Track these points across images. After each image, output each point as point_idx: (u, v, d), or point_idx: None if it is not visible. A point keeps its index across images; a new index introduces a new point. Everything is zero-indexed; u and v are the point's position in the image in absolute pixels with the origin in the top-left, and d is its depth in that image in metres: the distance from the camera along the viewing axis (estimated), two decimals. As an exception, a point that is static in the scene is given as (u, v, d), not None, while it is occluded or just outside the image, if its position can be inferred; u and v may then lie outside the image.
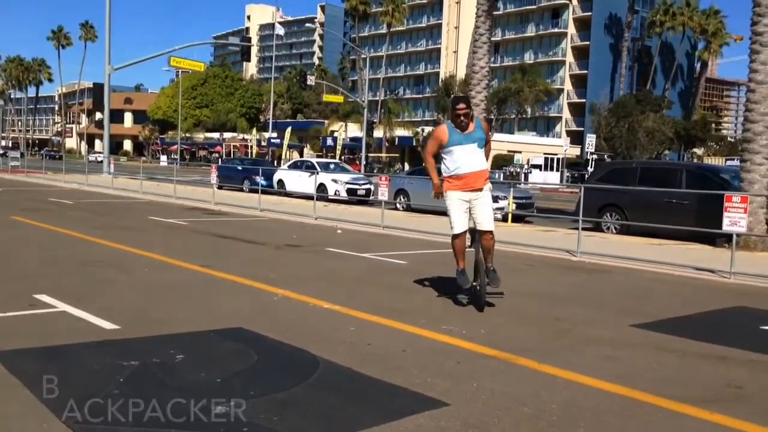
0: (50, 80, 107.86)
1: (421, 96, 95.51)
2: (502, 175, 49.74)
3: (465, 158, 6.88)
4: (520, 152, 61.54)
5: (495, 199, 19.43)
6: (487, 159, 7.11)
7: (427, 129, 60.26)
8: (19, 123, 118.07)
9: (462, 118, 6.81)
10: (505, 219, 18.79)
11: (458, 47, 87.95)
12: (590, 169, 44.65)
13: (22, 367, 4.61)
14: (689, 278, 10.03)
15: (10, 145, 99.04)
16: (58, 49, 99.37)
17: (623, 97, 67.50)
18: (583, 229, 12.65)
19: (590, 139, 54.57)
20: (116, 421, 3.76)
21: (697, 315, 7.44)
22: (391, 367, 4.93)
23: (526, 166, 56.18)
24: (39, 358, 4.84)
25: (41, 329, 5.64)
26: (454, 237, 7.15)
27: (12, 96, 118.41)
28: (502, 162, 58.54)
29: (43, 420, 3.75)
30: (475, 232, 7.15)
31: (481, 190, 6.95)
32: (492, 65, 21.02)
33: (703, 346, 5.92)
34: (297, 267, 9.73)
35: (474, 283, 7.15)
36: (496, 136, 49.26)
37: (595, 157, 53.45)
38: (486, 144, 7.06)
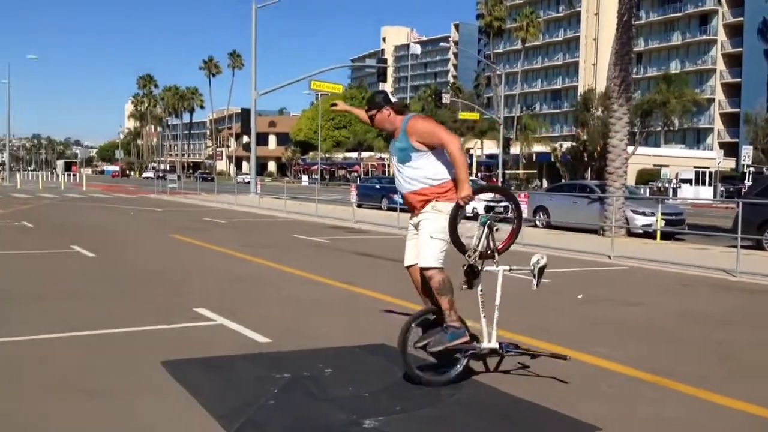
0: (202, 107, 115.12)
1: (558, 111, 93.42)
2: (648, 190, 47.50)
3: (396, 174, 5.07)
4: (667, 166, 58.56)
5: (642, 214, 18.81)
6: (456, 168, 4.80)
7: (566, 144, 58.80)
8: (175, 147, 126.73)
9: (375, 123, 5.00)
10: (654, 236, 17.93)
11: (597, 59, 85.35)
12: (748, 183, 41.74)
13: (187, 375, 4.91)
14: None
15: (168, 168, 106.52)
16: (209, 77, 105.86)
17: (782, 106, 62.74)
18: (742, 246, 11.82)
19: (746, 151, 50.93)
20: (272, 430, 3.91)
21: None
22: (538, 388, 4.81)
23: (674, 181, 53.36)
24: (201, 368, 5.13)
25: (203, 341, 5.99)
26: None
27: (169, 122, 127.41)
28: (647, 177, 55.97)
29: (207, 426, 3.96)
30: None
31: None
32: (635, 76, 20.22)
33: None
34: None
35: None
36: (640, 149, 47.17)
37: (752, 170, 49.83)
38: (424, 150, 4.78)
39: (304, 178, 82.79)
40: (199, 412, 4.21)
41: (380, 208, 26.95)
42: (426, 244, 4.92)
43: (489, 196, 25.17)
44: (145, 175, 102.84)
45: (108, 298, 7.96)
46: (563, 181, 45.60)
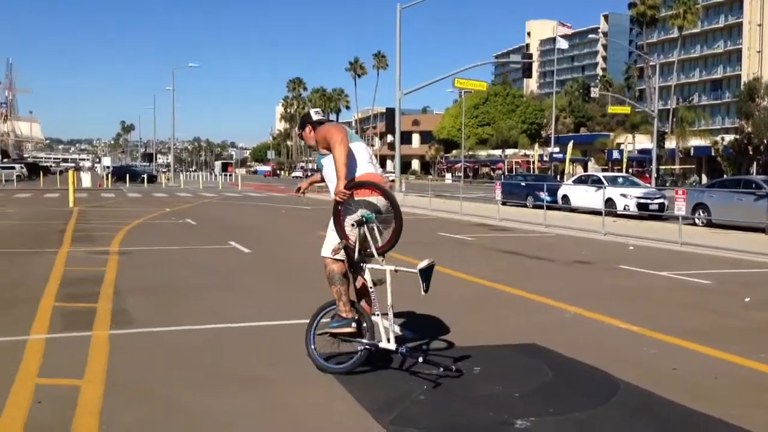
0: (347, 107, 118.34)
1: (719, 102, 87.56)
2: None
3: None
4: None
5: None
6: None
7: (728, 137, 55.01)
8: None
9: (306, 141, 5.47)
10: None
11: (762, 46, 79.20)
12: None
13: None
14: None
15: (315, 167, 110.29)
16: (354, 78, 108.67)
17: None
18: None
19: None
20: (424, 425, 3.96)
21: None
22: (700, 395, 4.56)
23: None
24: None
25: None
26: None
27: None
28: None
29: (360, 418, 4.09)
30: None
31: None
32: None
33: None
34: (588, 284, 9.46)
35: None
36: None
37: None
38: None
39: (448, 176, 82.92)
40: (351, 403, 4.34)
41: (525, 206, 26.47)
42: (327, 235, 5.26)
43: (641, 191, 24.09)
44: (294, 174, 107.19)
45: (263, 292, 8.39)
46: (725, 176, 42.69)
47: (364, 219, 4.99)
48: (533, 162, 72.66)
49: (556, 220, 19.44)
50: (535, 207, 25.10)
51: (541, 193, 24.40)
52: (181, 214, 21.58)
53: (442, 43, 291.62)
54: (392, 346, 4.88)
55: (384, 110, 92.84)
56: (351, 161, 5.11)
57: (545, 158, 71.22)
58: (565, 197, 26.01)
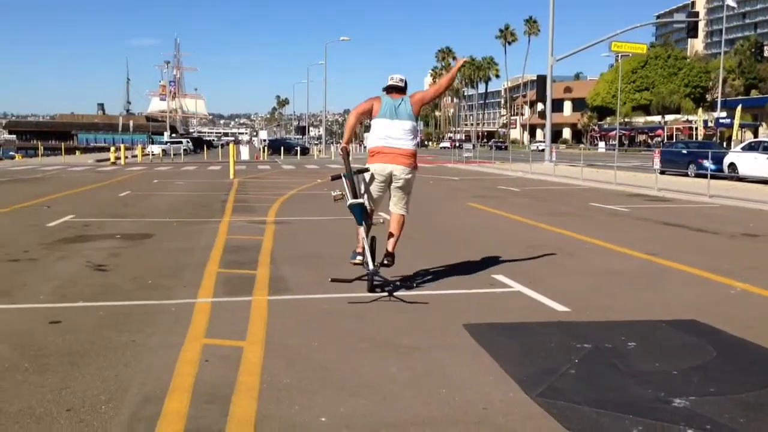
0: (497, 76, 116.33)
1: None
2: None
3: None
4: None
5: None
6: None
7: None
8: (470, 117, 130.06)
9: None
10: None
11: None
12: None
13: (488, 339, 5.09)
14: None
15: (463, 137, 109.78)
16: (504, 45, 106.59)
17: None
18: None
19: None
20: (575, 399, 3.89)
21: None
22: None
23: None
24: (501, 333, 5.28)
25: (501, 306, 6.15)
26: None
27: (464, 93, 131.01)
28: None
29: (508, 389, 4.08)
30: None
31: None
32: None
33: None
34: (757, 258, 8.80)
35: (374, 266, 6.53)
36: None
37: None
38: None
39: (601, 144, 79.68)
40: (500, 374, 4.34)
41: (687, 175, 24.97)
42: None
43: None
44: (441, 145, 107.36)
45: (409, 262, 8.50)
46: None
47: (342, 174, 6.80)
48: (696, 128, 68.23)
49: (722, 190, 18.21)
50: (697, 176, 23.66)
51: (705, 161, 22.89)
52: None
53: (597, 6, 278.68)
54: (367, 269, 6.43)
55: (534, 78, 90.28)
56: (371, 134, 6.78)
57: (710, 124, 66.60)
58: (732, 165, 24.27)
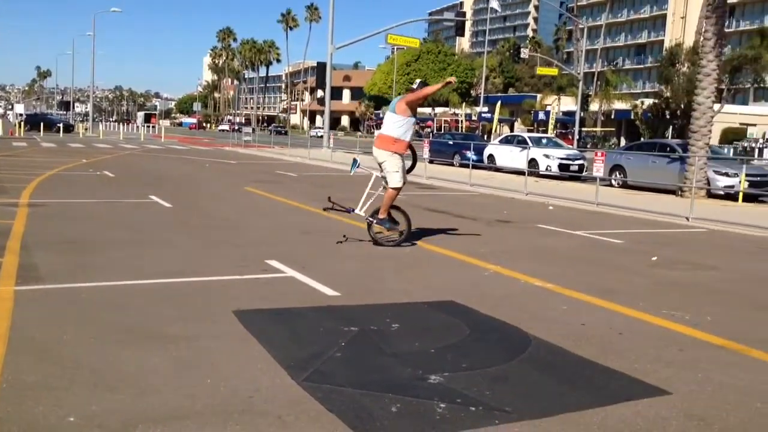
0: (278, 60, 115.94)
1: (641, 66, 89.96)
2: (732, 150, 45.47)
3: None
4: (755, 125, 55.84)
5: (725, 175, 18.02)
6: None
7: (648, 101, 56.63)
8: (251, 101, 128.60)
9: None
10: (735, 198, 17.24)
11: (686, 12, 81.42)
12: (841, 144, 39.40)
13: (258, 325, 5.06)
14: None
15: (243, 121, 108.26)
16: (286, 30, 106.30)
17: None
18: (832, 211, 11.24)
19: (843, 110, 47.97)
20: (339, 382, 3.99)
21: None
22: (606, 350, 4.75)
23: (761, 141, 50.90)
24: (272, 319, 5.27)
25: (273, 292, 6.14)
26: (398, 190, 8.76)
27: (245, 76, 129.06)
28: (732, 136, 53.53)
29: (275, 375, 4.08)
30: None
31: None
32: (726, 30, 19.20)
33: None
34: (508, 243, 9.66)
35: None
36: (726, 107, 44.92)
37: None
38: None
39: (377, 132, 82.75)
40: (268, 360, 4.33)
41: (452, 164, 26.75)
42: None
43: (563, 152, 24.65)
44: (220, 127, 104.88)
45: (182, 247, 8.23)
46: (642, 139, 44.08)
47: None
48: (462, 121, 73.25)
49: (482, 179, 19.74)
50: (461, 166, 25.40)
51: (468, 152, 24.66)
52: (99, 166, 20.87)
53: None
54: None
55: (315, 64, 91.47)
56: None
57: (474, 117, 71.91)
58: (491, 157, 26.40)
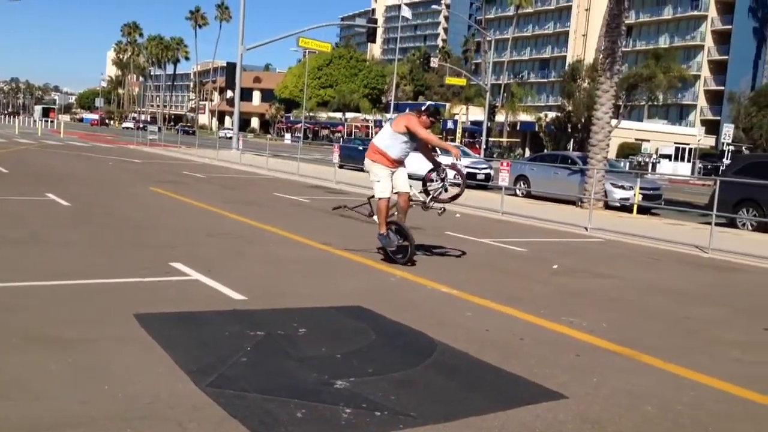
0: (187, 58, 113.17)
1: (545, 80, 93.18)
2: (628, 164, 47.78)
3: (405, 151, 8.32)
4: (648, 141, 58.90)
5: (621, 187, 18.93)
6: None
7: (551, 114, 58.78)
8: (157, 99, 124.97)
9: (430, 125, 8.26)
10: (630, 210, 18.10)
11: (588, 30, 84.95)
12: (726, 161, 42.12)
13: (160, 329, 4.92)
14: (835, 283, 9.30)
15: (148, 119, 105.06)
16: (195, 28, 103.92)
17: (766, 86, 63.01)
18: (716, 224, 11.99)
19: (727, 130, 51.23)
20: (244, 387, 3.94)
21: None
22: (508, 356, 4.89)
23: (654, 156, 53.75)
24: (175, 323, 5.14)
25: (177, 295, 5.99)
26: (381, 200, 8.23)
27: (152, 73, 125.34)
28: (628, 151, 56.24)
29: (177, 381, 3.98)
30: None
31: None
32: (624, 49, 20.18)
33: None
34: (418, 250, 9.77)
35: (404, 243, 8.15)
36: (623, 123, 47.19)
37: (731, 148, 50.27)
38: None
39: (287, 136, 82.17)
40: (170, 365, 4.22)
41: (362, 170, 26.84)
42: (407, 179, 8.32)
43: (470, 161, 25.21)
44: (124, 125, 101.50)
45: (81, 248, 7.91)
46: (546, 151, 45.69)
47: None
48: (372, 127, 73.73)
49: (391, 185, 19.89)
50: (371, 171, 25.51)
51: (378, 158, 24.76)
52: None
53: (288, 1, 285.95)
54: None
55: (225, 64, 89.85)
56: None
57: (384, 124, 72.40)
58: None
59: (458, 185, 8.92)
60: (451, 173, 8.96)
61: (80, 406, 3.52)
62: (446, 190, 8.62)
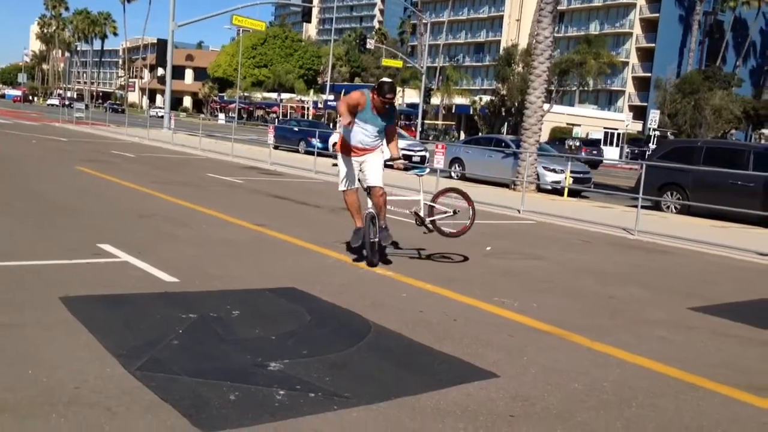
0: (115, 34, 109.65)
1: (480, 64, 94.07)
2: (568, 148, 48.81)
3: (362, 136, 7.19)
4: (579, 125, 60.29)
5: (553, 171, 19.36)
6: (390, 141, 7.48)
7: (485, 98, 59.47)
8: (84, 75, 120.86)
9: (387, 105, 7.08)
10: (561, 193, 18.52)
11: (521, 15, 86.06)
12: (652, 146, 43.51)
13: (87, 313, 4.78)
14: (752, 263, 9.75)
15: (75, 96, 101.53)
16: (123, 3, 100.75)
17: (691, 73, 65.21)
18: (642, 207, 12.38)
19: (653, 115, 52.92)
20: (175, 370, 3.87)
21: (759, 301, 7.24)
22: (442, 336, 4.95)
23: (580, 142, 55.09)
24: (103, 306, 5.00)
25: (105, 278, 5.83)
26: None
27: (78, 48, 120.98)
28: (560, 135, 57.42)
29: (105, 365, 3.88)
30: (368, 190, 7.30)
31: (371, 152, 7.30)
32: (556, 35, 20.55)
33: (764, 333, 5.77)
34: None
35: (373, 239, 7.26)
36: (555, 107, 48.20)
37: (657, 133, 52.00)
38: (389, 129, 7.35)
39: (221, 116, 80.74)
40: (98, 349, 4.11)
41: (297, 151, 26.68)
42: (381, 169, 7.25)
43: (406, 143, 25.30)
44: (49, 102, 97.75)
45: (4, 230, 7.61)
46: (480, 134, 46.27)
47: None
48: (308, 108, 73.15)
49: (326, 166, 19.81)
50: (306, 153, 25.40)
51: (314, 140, 24.70)
52: None
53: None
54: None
55: (155, 41, 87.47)
56: None
57: (320, 105, 72.01)
58: (335, 145, 26.57)
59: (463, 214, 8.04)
60: (459, 202, 8.14)
61: (4, 392, 3.40)
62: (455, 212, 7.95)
